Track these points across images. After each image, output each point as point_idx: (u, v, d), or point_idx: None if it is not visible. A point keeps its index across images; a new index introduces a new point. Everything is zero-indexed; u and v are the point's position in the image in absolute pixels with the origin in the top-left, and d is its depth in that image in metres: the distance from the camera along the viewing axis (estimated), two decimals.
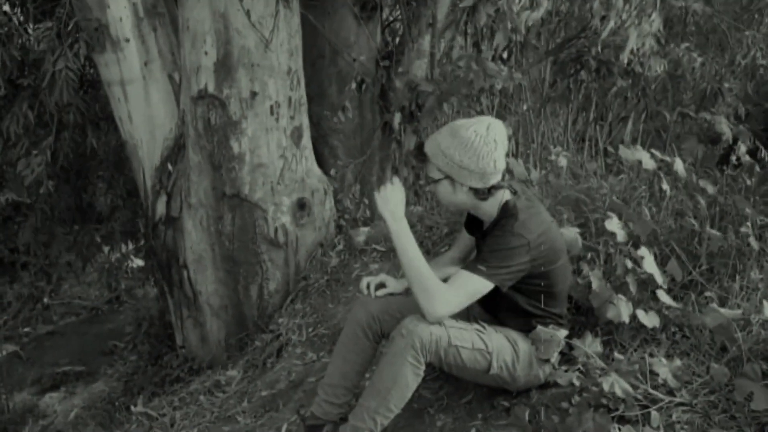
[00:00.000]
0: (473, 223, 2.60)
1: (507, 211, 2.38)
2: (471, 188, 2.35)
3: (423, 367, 2.30)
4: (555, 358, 2.49)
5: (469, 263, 2.32)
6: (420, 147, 2.43)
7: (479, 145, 2.28)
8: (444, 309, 2.25)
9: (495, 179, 2.35)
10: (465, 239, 2.71)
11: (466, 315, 2.47)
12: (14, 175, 4.62)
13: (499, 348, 2.38)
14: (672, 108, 4.49)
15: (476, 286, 2.26)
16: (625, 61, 4.26)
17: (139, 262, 6.48)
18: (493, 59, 4.42)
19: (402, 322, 2.31)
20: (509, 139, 4.61)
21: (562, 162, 3.56)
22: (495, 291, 2.30)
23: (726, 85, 4.34)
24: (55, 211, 5.14)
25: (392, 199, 2.37)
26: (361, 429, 2.37)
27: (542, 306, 2.44)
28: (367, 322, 2.57)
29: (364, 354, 2.59)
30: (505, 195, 2.43)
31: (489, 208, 2.42)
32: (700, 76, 4.42)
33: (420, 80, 4.49)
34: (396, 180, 2.43)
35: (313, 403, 2.64)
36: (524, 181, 3.64)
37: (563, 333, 2.45)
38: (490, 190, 2.36)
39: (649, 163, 3.13)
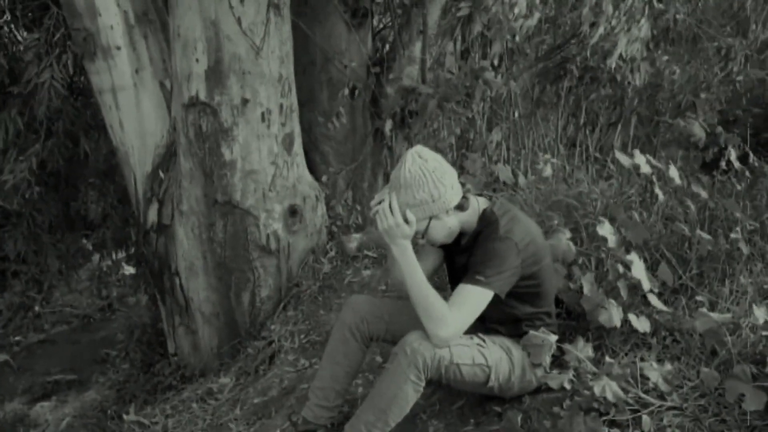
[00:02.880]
0: (455, 243, 2.54)
1: (486, 219, 2.39)
2: (454, 208, 2.33)
3: (423, 384, 2.30)
4: (547, 361, 2.50)
5: (464, 278, 2.30)
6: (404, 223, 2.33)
7: (429, 171, 2.26)
8: (451, 332, 2.24)
9: (458, 185, 2.35)
10: (431, 253, 2.62)
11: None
12: (1, 182, 4.61)
13: (498, 361, 2.39)
14: (651, 116, 4.53)
15: (478, 298, 2.25)
16: (612, 66, 4.29)
17: (130, 270, 6.45)
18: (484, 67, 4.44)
19: (405, 338, 2.29)
20: (498, 145, 4.66)
21: (547, 171, 3.59)
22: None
23: (703, 96, 4.39)
24: (44, 218, 5.12)
25: (390, 218, 2.29)
26: None
27: (531, 307, 2.46)
28: (355, 325, 2.57)
29: (354, 356, 2.60)
30: (480, 203, 2.44)
31: (470, 218, 2.41)
32: (678, 86, 4.47)
33: (417, 84, 4.51)
34: (393, 196, 2.32)
35: (304, 407, 2.64)
36: (510, 186, 3.66)
37: (554, 337, 2.46)
38: (465, 197, 2.37)
39: (646, 168, 3.14)
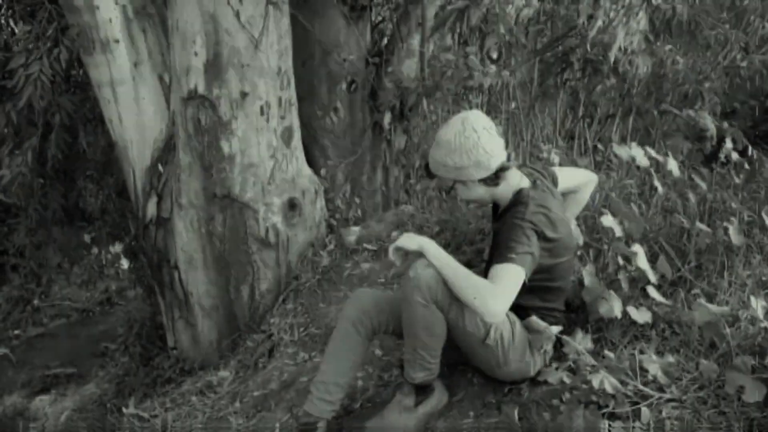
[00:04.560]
0: (494, 212, 2.68)
1: (519, 198, 2.46)
2: (479, 180, 2.45)
3: (433, 306, 2.35)
4: (549, 351, 2.51)
5: (496, 258, 2.35)
6: (426, 167, 2.58)
7: (461, 142, 2.39)
8: (500, 303, 2.27)
9: (496, 163, 2.43)
10: None
11: None
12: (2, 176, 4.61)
13: (500, 322, 2.41)
14: (655, 107, 4.52)
15: (516, 275, 2.29)
16: (612, 59, 4.28)
17: (129, 263, 6.45)
18: (482, 59, 4.43)
19: (411, 265, 2.37)
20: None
21: (555, 159, 3.58)
22: None
23: (707, 85, 4.38)
24: (46, 212, 5.11)
25: (409, 236, 2.44)
26: (411, 375, 2.50)
27: (540, 301, 2.49)
28: (359, 318, 2.59)
29: (357, 350, 2.61)
30: (521, 182, 2.51)
31: (504, 193, 2.52)
32: (682, 76, 4.45)
33: (405, 78, 4.51)
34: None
35: (306, 401, 2.65)
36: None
37: (557, 329, 2.47)
38: (498, 175, 2.45)
39: (643, 161, 3.15)
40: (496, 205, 2.62)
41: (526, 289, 2.39)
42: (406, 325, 2.42)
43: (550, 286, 2.48)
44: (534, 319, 2.46)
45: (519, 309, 2.46)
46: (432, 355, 2.46)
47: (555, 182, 2.71)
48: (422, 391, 2.55)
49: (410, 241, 2.40)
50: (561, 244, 2.44)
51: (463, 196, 2.58)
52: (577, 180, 2.87)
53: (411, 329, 2.41)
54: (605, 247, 2.82)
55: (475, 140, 2.39)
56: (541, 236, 2.36)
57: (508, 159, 2.49)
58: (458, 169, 2.43)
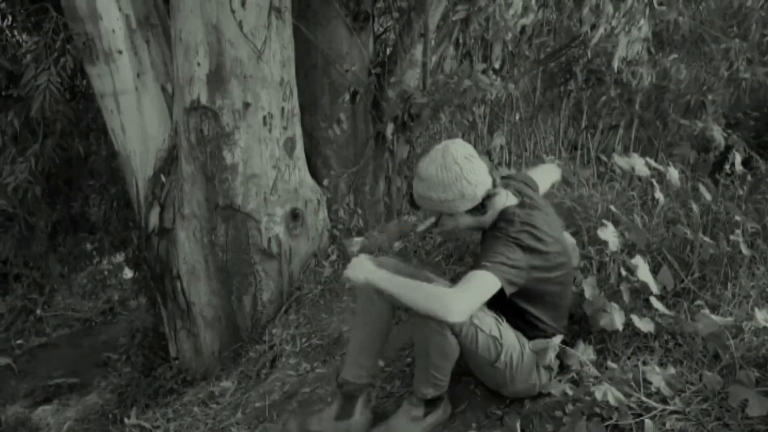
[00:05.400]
0: (483, 234, 2.63)
1: (504, 216, 2.43)
2: (466, 212, 2.41)
3: (447, 330, 2.32)
4: (554, 369, 2.50)
5: (475, 262, 2.33)
6: (411, 198, 2.55)
7: (443, 176, 2.36)
8: (461, 305, 2.22)
9: (482, 191, 2.39)
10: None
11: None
12: (3, 184, 4.62)
13: (511, 343, 2.41)
14: (659, 117, 4.52)
15: (482, 280, 2.24)
16: (615, 68, 4.28)
17: (132, 273, 6.46)
18: (485, 70, 4.44)
19: None
20: (501, 148, 4.65)
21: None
22: (496, 300, 2.31)
23: (710, 96, 4.38)
24: (45, 221, 5.13)
25: (358, 264, 2.39)
26: (423, 392, 2.48)
27: (541, 318, 2.47)
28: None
29: (383, 314, 2.60)
30: (507, 200, 2.48)
31: (491, 219, 2.47)
32: (685, 86, 4.45)
33: (413, 91, 4.51)
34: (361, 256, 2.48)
35: (343, 369, 2.67)
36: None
37: (558, 338, 2.46)
38: (485, 204, 2.41)
39: (643, 170, 3.14)
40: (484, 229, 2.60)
41: (530, 306, 2.41)
42: (419, 347, 2.43)
43: (548, 302, 2.47)
44: (536, 341, 2.45)
45: (523, 327, 2.47)
46: (443, 374, 2.47)
47: (536, 189, 2.71)
48: (431, 402, 2.55)
49: (356, 273, 2.36)
50: (550, 260, 2.41)
51: (451, 228, 2.52)
52: (551, 180, 2.93)
53: (424, 351, 2.41)
54: (607, 258, 2.80)
55: (458, 172, 2.35)
56: (527, 250, 2.33)
57: (494, 184, 2.43)
58: (443, 203, 2.39)
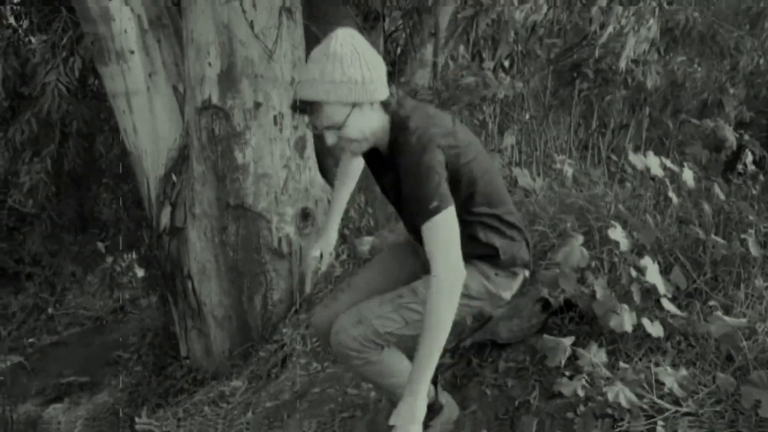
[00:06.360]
0: (369, 155, 2.28)
1: (396, 125, 2.09)
2: (381, 103, 2.06)
3: (372, 352, 2.15)
4: (515, 289, 2.34)
5: (417, 213, 2.00)
6: (295, 102, 2.07)
7: (358, 49, 2.01)
8: (453, 276, 1.96)
9: (381, 89, 2.06)
10: (350, 164, 2.66)
11: (413, 250, 2.34)
12: (19, 183, 4.65)
13: (477, 291, 2.22)
14: (673, 116, 4.48)
15: (445, 224, 1.98)
16: (622, 67, 4.26)
17: (143, 272, 6.48)
18: (495, 69, 4.43)
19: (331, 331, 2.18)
20: (511, 147, 4.63)
21: (568, 170, 3.56)
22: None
23: (731, 91, 4.33)
24: (61, 219, 5.15)
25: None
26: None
27: (492, 214, 2.21)
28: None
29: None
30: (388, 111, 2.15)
31: (383, 130, 2.11)
32: (701, 85, 4.42)
33: (422, 90, 4.50)
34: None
35: None
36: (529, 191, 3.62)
37: (569, 340, 2.44)
38: (389, 98, 2.09)
39: (657, 170, 3.11)
40: (376, 151, 2.21)
41: (464, 217, 2.09)
42: (371, 383, 2.32)
43: (471, 191, 2.15)
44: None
45: (462, 226, 2.07)
46: (398, 384, 2.18)
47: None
48: (428, 410, 2.37)
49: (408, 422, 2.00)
50: (458, 140, 2.12)
51: (357, 132, 2.06)
52: None
53: (372, 383, 2.31)
54: (616, 259, 2.79)
55: (371, 50, 2.03)
56: (439, 142, 2.02)
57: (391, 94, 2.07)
58: (364, 84, 1.98)
